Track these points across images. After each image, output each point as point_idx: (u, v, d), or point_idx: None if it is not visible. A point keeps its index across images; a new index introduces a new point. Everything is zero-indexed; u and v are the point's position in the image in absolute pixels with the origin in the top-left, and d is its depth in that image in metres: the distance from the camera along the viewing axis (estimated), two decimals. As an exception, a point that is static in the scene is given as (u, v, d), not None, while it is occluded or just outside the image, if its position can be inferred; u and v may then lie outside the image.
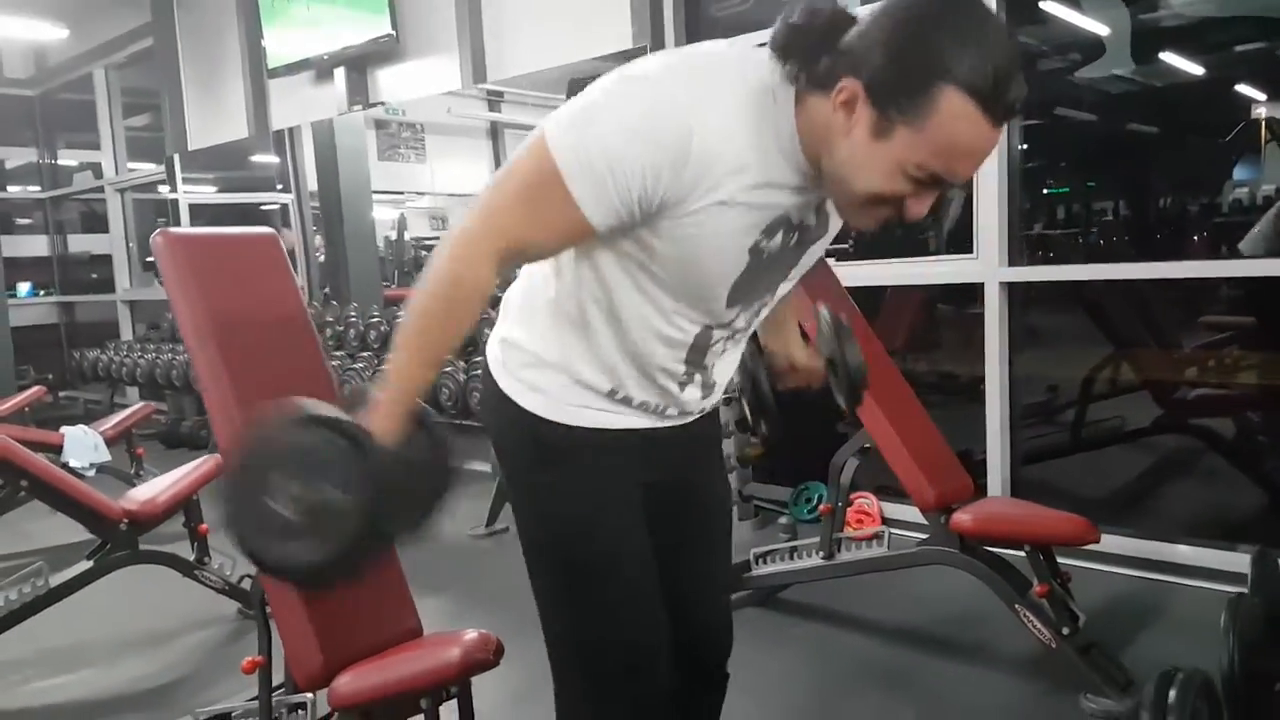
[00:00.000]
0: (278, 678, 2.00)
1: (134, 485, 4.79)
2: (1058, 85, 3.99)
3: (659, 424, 1.40)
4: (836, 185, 1.16)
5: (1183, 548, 3.27)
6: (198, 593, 3.24)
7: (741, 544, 2.36)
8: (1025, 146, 3.69)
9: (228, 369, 1.90)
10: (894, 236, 5.10)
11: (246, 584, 3.18)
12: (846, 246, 4.17)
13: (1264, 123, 3.69)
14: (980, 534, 2.60)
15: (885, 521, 3.76)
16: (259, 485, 1.15)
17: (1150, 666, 2.48)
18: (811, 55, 1.12)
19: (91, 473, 4.35)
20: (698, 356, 1.35)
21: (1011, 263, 3.49)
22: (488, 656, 1.65)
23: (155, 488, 3.15)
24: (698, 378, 1.38)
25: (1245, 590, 1.64)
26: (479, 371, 1.49)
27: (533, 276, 1.38)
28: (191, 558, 3.18)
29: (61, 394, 8.27)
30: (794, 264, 1.34)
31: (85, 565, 2.99)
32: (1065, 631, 2.49)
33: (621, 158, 1.10)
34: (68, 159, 9.13)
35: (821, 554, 2.93)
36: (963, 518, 2.61)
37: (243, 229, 2.09)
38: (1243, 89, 3.76)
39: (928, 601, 2.99)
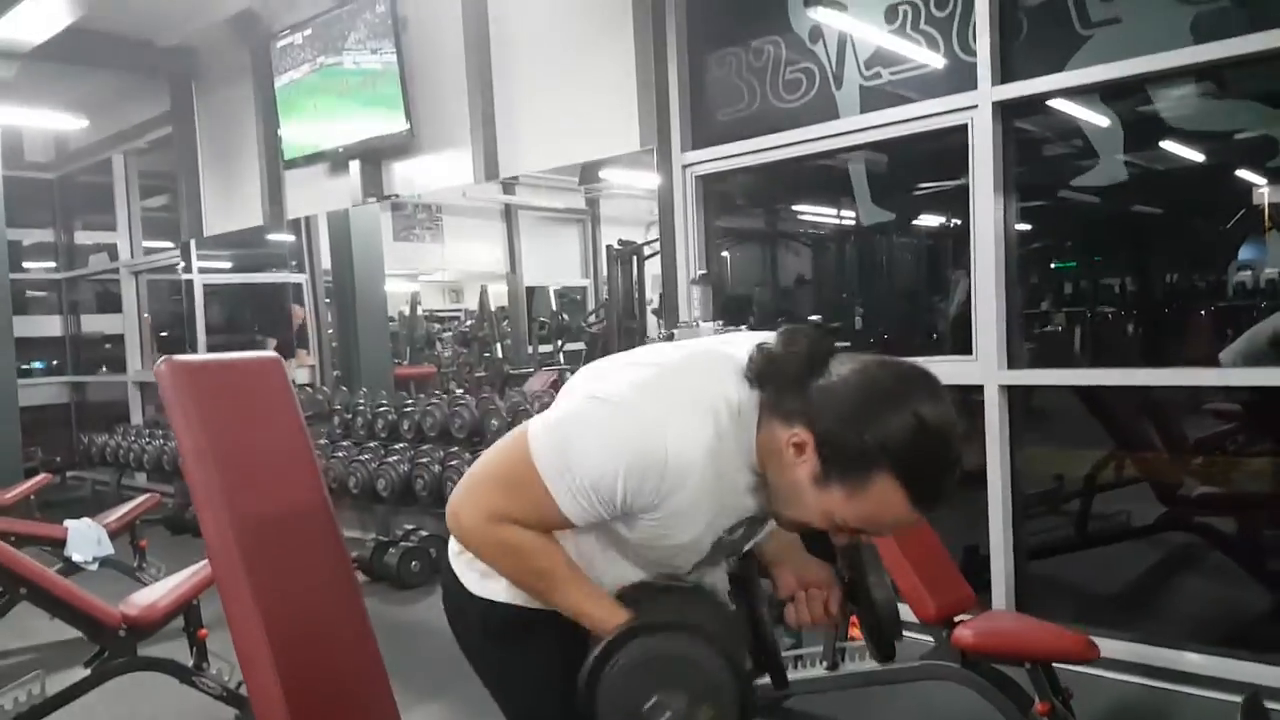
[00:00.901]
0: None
1: (137, 577, 4.81)
2: (1061, 168, 4.05)
3: None
4: (774, 499, 1.28)
5: (1188, 655, 3.23)
6: (195, 699, 3.21)
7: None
8: (1030, 227, 3.72)
9: (225, 496, 1.93)
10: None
11: (244, 690, 3.16)
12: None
13: (1266, 209, 3.73)
14: (982, 650, 2.59)
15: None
16: (636, 707, 1.20)
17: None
18: (781, 391, 1.23)
19: (94, 567, 4.34)
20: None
21: (1011, 363, 3.51)
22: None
23: (156, 592, 3.15)
24: None
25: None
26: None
27: None
28: (190, 663, 3.17)
29: (69, 474, 8.30)
30: (757, 535, 1.43)
31: (82, 673, 2.98)
32: (1069, 752, 2.46)
33: (602, 476, 1.21)
34: (84, 239, 9.30)
35: (825, 664, 2.91)
36: (964, 633, 2.60)
37: (246, 354, 2.13)
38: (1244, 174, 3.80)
39: (932, 714, 2.95)
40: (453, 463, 5.05)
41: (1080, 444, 4.25)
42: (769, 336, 1.31)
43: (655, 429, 1.19)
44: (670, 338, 4.04)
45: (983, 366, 3.52)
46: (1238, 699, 3.01)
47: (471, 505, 1.30)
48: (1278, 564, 3.55)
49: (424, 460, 5.12)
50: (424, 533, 5.11)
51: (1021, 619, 2.70)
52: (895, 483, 1.17)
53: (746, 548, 1.45)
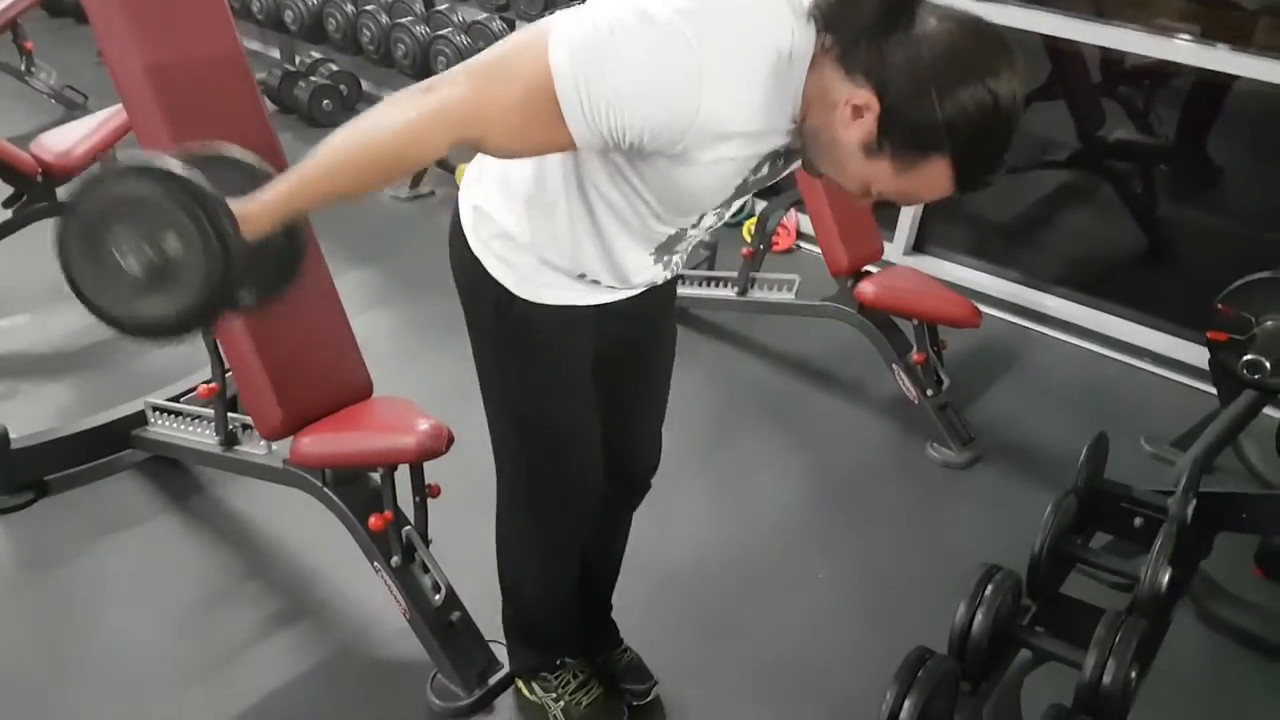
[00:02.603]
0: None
1: (27, 82, 4.55)
2: None
3: (621, 296, 1.49)
4: (809, 143, 1.19)
5: (1050, 299, 3.63)
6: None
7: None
8: None
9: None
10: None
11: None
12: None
13: None
14: (878, 305, 2.86)
15: (800, 236, 4.00)
16: (103, 233, 1.11)
17: (992, 422, 2.97)
18: (851, 40, 1.08)
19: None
20: (667, 249, 1.43)
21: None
22: (440, 447, 1.86)
23: (70, 138, 3.04)
24: (664, 259, 1.46)
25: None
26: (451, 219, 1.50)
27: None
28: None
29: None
30: (779, 176, 1.35)
31: (4, 214, 2.97)
32: (929, 393, 2.87)
33: (624, 109, 1.07)
34: None
35: (735, 289, 3.16)
36: (866, 289, 2.85)
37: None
38: None
39: (822, 342, 3.27)
40: (368, 7, 4.68)
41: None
42: None
43: (691, 78, 1.05)
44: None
45: None
46: (1089, 346, 3.50)
47: (460, 112, 1.13)
48: (1163, 214, 3.83)
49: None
50: (334, 67, 4.87)
51: (919, 279, 2.94)
52: (949, 165, 1.09)
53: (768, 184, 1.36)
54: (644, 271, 1.44)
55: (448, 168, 4.18)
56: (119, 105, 3.15)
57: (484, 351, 1.56)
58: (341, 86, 4.76)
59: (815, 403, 3.09)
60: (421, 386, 2.50)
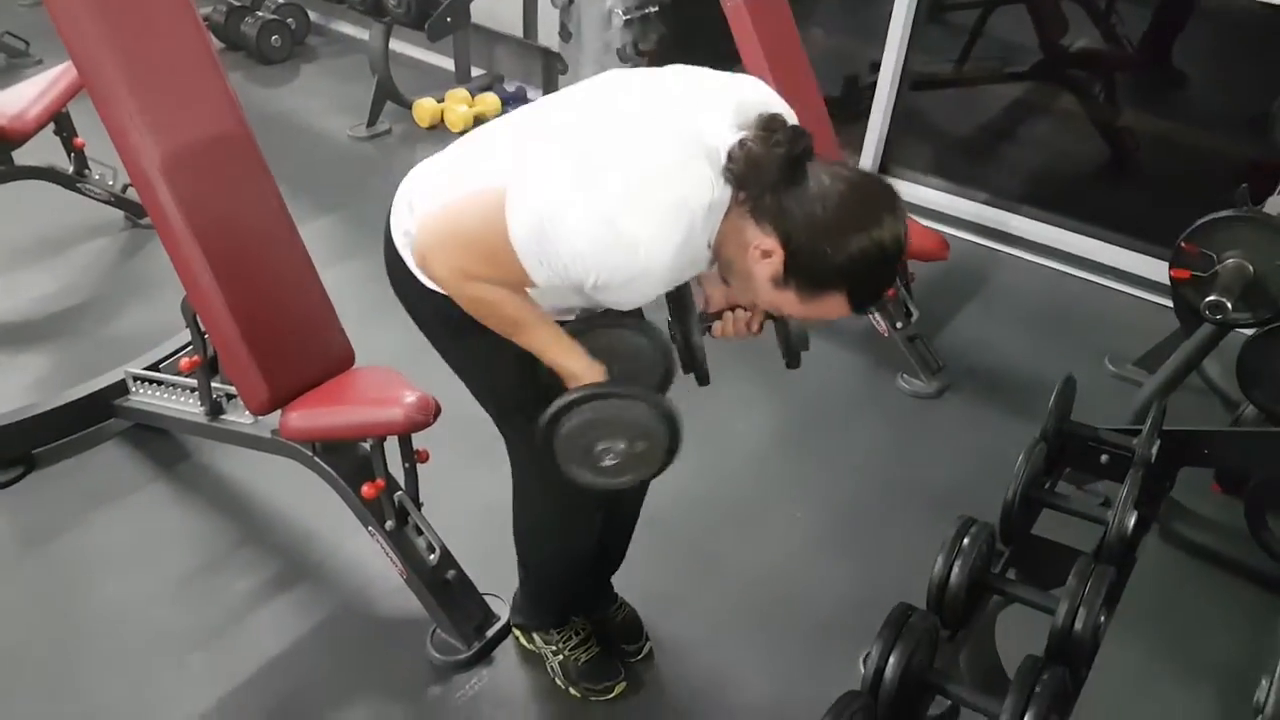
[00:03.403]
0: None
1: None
2: None
3: None
4: (723, 266, 1.37)
5: (1015, 219, 3.67)
6: (82, 207, 3.21)
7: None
8: None
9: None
10: None
11: (131, 194, 3.18)
12: None
13: None
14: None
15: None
16: (588, 449, 1.41)
17: (960, 348, 3.03)
18: (758, 195, 1.26)
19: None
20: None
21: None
22: (427, 419, 1.89)
23: (21, 99, 2.95)
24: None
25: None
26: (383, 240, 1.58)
27: (440, 189, 1.45)
28: (70, 171, 3.11)
29: None
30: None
31: (-40, 179, 2.90)
32: (899, 325, 2.92)
33: (577, 271, 1.28)
34: None
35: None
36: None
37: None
38: None
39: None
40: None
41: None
42: (756, 105, 1.30)
43: (630, 243, 1.24)
44: None
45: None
46: (1050, 264, 3.57)
47: (443, 260, 1.35)
48: (1126, 124, 3.84)
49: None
50: (279, 0, 4.70)
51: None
52: (844, 297, 1.29)
53: None
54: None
55: (403, 102, 4.10)
56: (69, 63, 3.08)
57: (452, 360, 1.63)
58: (290, 20, 4.62)
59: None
60: (397, 342, 2.50)
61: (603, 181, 1.24)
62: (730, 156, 1.25)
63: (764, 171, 1.24)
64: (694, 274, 1.41)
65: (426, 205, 1.45)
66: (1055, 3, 3.78)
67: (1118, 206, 3.69)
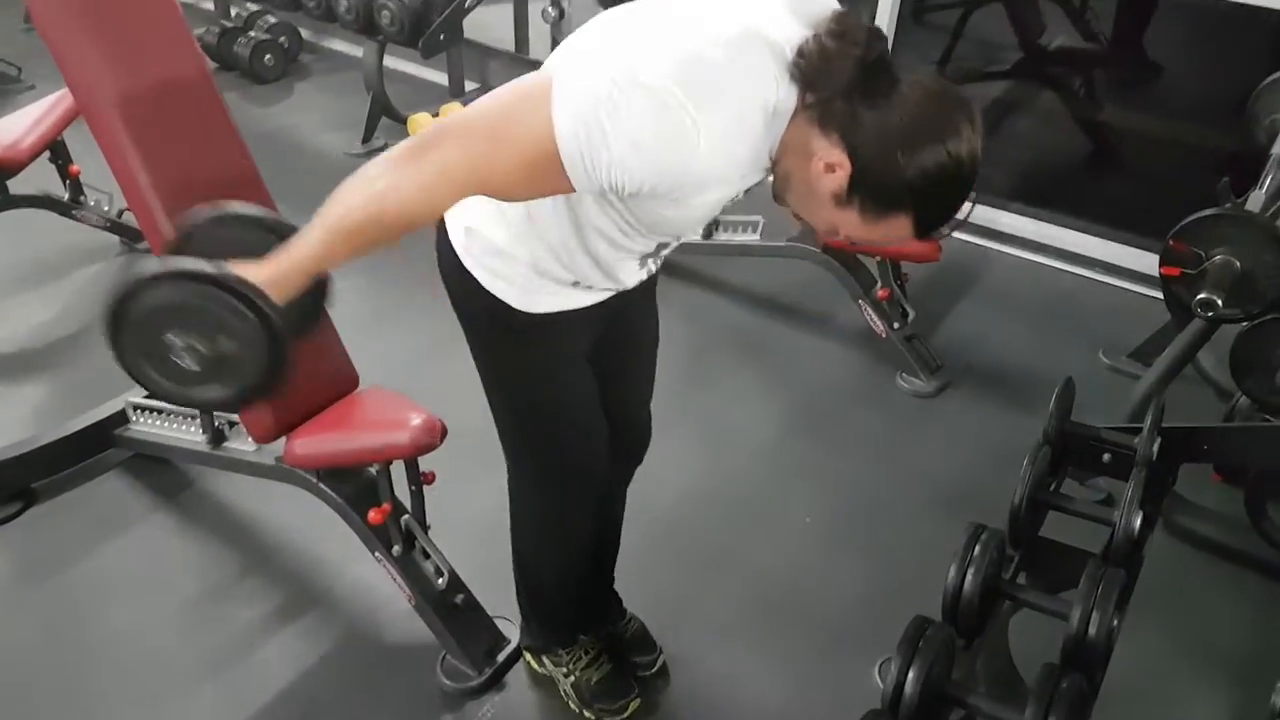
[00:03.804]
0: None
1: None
2: None
3: (612, 295, 1.55)
4: (780, 182, 1.26)
5: (1004, 215, 3.69)
6: (78, 232, 3.20)
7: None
8: None
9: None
10: None
11: (127, 219, 3.17)
12: None
13: None
14: (844, 247, 2.90)
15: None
16: (153, 342, 1.21)
17: (957, 346, 3.04)
18: (828, 100, 1.15)
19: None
20: (653, 256, 1.49)
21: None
22: (434, 441, 1.88)
23: (15, 128, 2.94)
24: (648, 264, 1.52)
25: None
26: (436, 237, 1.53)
27: None
28: (65, 198, 3.10)
29: None
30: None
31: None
32: (896, 326, 2.94)
33: (624, 170, 1.14)
34: None
35: (700, 232, 3.17)
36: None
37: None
38: None
39: (789, 279, 3.31)
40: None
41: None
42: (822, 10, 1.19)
43: (689, 142, 1.11)
44: None
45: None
46: (1041, 259, 3.58)
47: (467, 174, 1.19)
48: (1106, 119, 3.87)
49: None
50: (271, 20, 4.69)
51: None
52: (910, 223, 1.19)
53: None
54: (633, 275, 1.50)
55: (398, 117, 4.10)
56: (64, 90, 3.07)
57: (484, 357, 1.61)
58: (283, 39, 4.61)
59: (786, 339, 3.15)
60: (398, 355, 2.53)
61: (663, 60, 1.12)
62: (801, 53, 1.15)
63: (837, 71, 1.13)
64: (749, 185, 1.29)
65: None
66: (1033, 2, 3.80)
67: (1103, 199, 3.71)
